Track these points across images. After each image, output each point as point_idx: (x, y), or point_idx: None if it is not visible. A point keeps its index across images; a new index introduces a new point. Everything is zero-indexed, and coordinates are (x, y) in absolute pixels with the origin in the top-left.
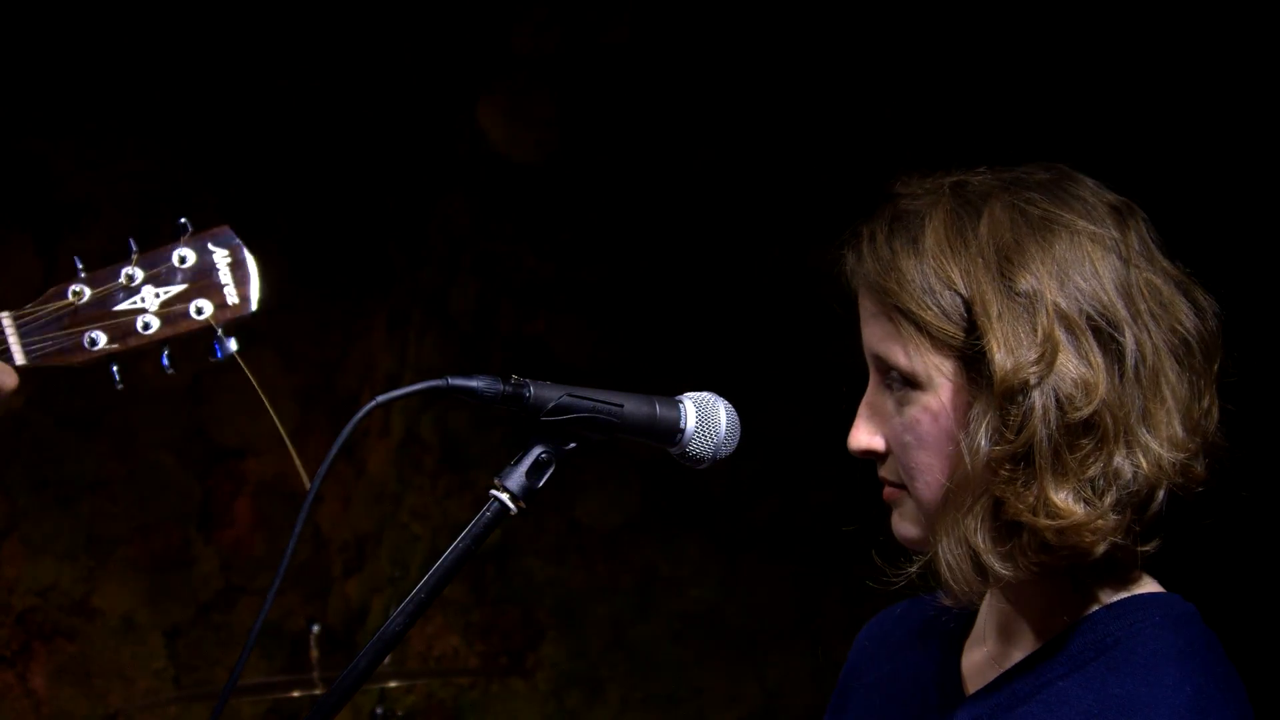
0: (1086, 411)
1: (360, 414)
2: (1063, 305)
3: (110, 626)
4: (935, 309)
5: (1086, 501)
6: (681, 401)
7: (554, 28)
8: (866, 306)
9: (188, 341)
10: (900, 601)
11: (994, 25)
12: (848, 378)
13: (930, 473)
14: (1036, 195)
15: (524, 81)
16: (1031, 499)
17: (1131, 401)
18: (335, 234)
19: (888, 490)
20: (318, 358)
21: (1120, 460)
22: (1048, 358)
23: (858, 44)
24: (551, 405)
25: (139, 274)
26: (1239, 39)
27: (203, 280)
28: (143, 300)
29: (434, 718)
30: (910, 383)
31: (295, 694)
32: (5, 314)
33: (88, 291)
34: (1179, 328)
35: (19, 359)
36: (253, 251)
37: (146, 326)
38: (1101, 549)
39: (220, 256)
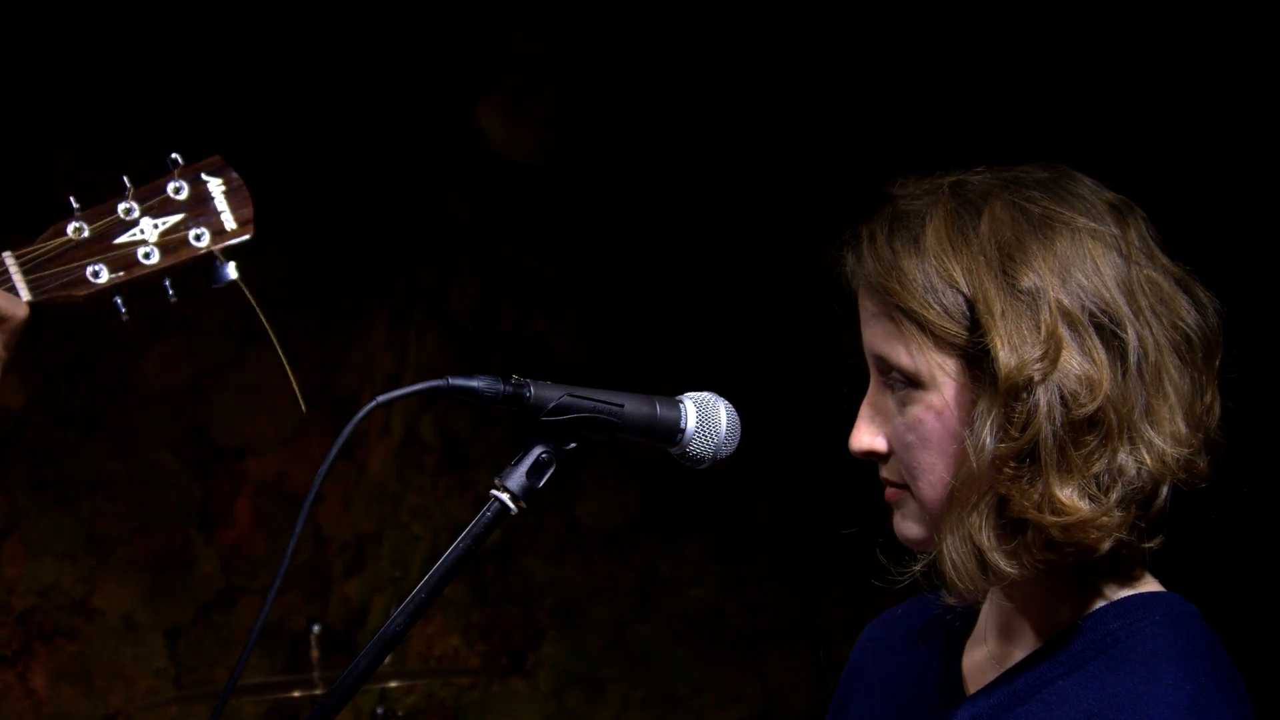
0: (1091, 408)
1: (361, 414)
2: (1065, 302)
3: (111, 626)
4: (938, 308)
5: (1091, 498)
6: (682, 401)
7: (554, 28)
8: (867, 307)
9: (190, 269)
10: (902, 602)
11: (993, 25)
12: (848, 378)
13: (934, 472)
14: (1037, 193)
15: (524, 81)
16: (1036, 496)
17: (1135, 398)
18: (335, 234)
19: (889, 491)
20: (318, 357)
21: (1124, 457)
22: (1051, 355)
23: (857, 44)
24: (552, 405)
25: (135, 207)
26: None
27: (199, 209)
28: (142, 232)
29: (434, 718)
30: (912, 382)
31: (296, 694)
32: (8, 254)
33: (87, 227)
34: (1180, 324)
35: (25, 296)
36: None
37: (148, 256)
38: (1107, 546)
39: (215, 185)
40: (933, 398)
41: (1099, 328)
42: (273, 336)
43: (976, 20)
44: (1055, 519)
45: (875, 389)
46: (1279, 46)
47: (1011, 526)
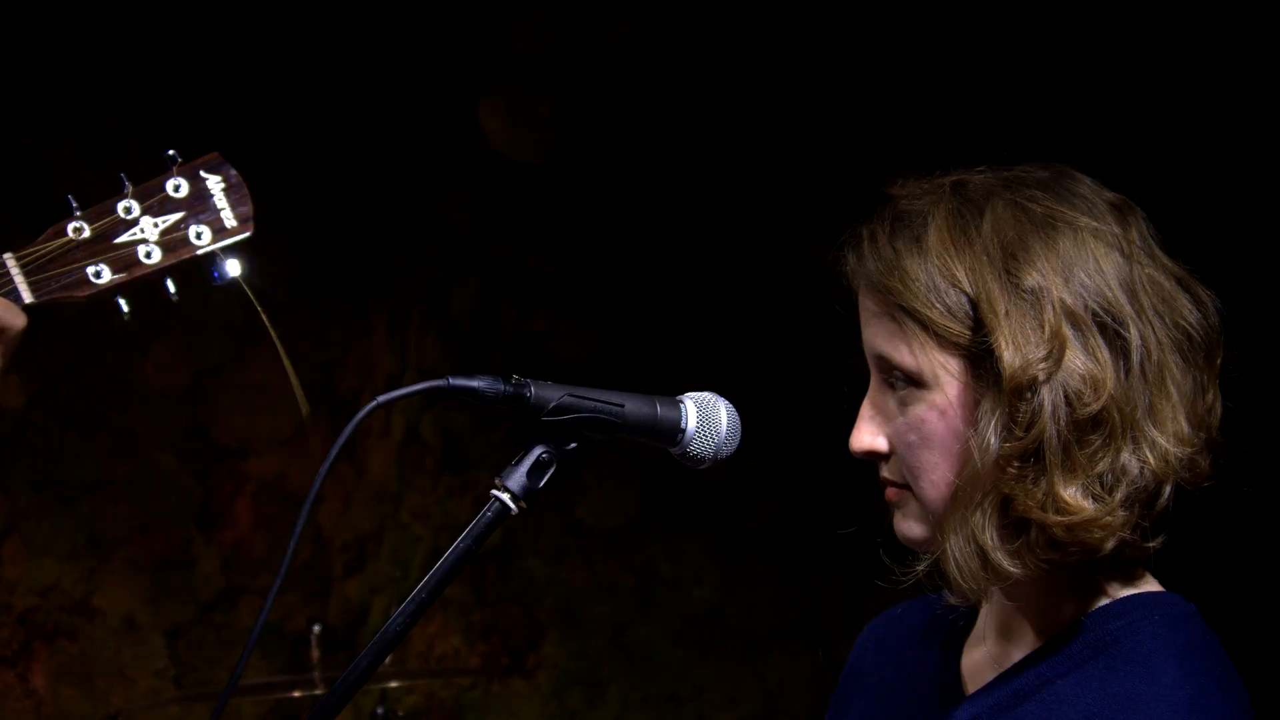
0: (1095, 407)
1: (361, 414)
2: (1068, 302)
3: (111, 626)
4: (941, 307)
5: (1095, 497)
6: (682, 401)
7: (554, 27)
8: (868, 307)
9: (190, 268)
10: (902, 601)
11: (993, 25)
12: (849, 377)
13: (936, 471)
14: (1038, 193)
15: (524, 81)
16: (1040, 495)
17: (1138, 397)
18: (336, 233)
19: (890, 490)
20: (318, 357)
21: (1128, 456)
22: (1055, 354)
23: (857, 44)
24: (552, 405)
25: (135, 206)
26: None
27: (199, 207)
28: (142, 231)
29: (435, 718)
30: (915, 382)
31: (296, 694)
32: (8, 255)
33: (87, 227)
34: (1182, 322)
35: (27, 298)
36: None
37: (149, 255)
38: (1110, 545)
39: (214, 183)
40: (935, 397)
41: (1102, 327)
42: (275, 336)
43: (976, 20)
44: (1059, 518)
45: (876, 389)
46: (1279, 46)
47: (1015, 526)
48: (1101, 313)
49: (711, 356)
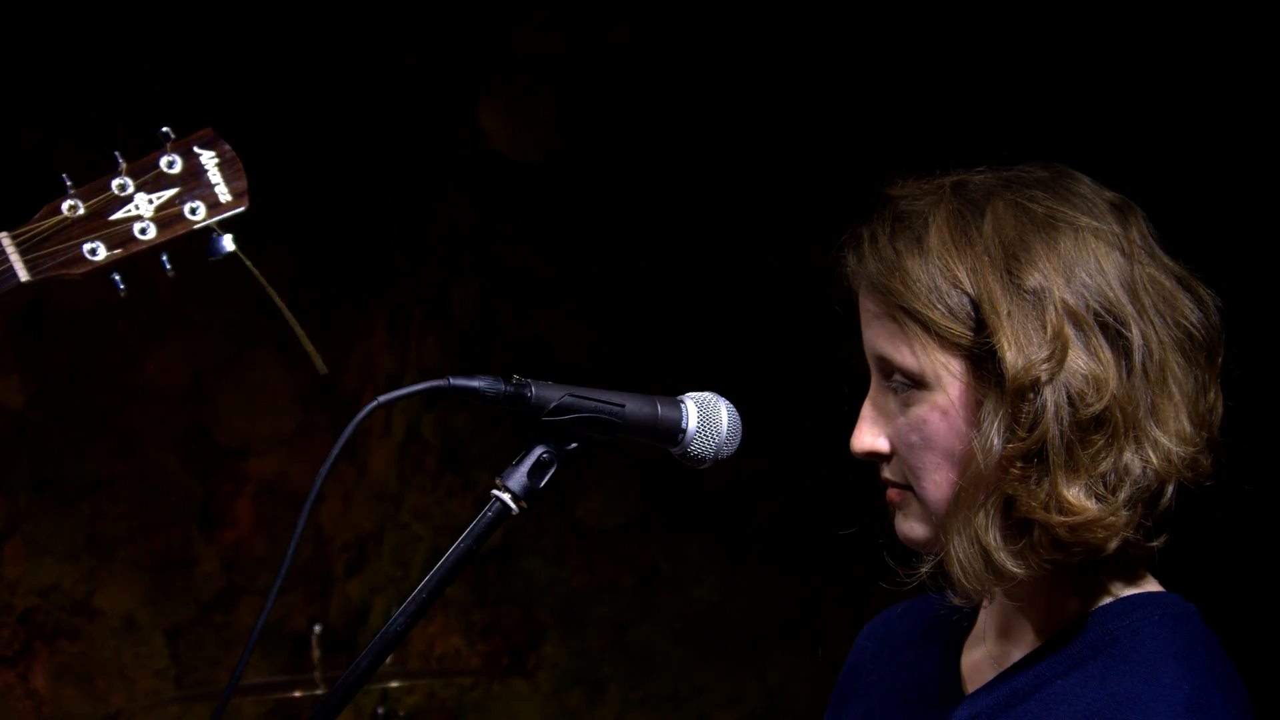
0: (1098, 407)
1: (362, 414)
2: (1070, 302)
3: (112, 626)
4: (942, 308)
5: (1099, 498)
6: (683, 401)
7: (555, 28)
8: (869, 308)
9: (185, 242)
10: (901, 601)
11: (992, 25)
12: (849, 378)
13: (939, 472)
14: (1038, 193)
15: (525, 81)
16: (1044, 496)
17: (1140, 397)
18: (336, 234)
19: (892, 491)
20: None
21: (1131, 456)
22: (1058, 355)
23: (857, 44)
24: (553, 405)
25: (130, 183)
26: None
27: (194, 182)
28: (137, 208)
29: (436, 718)
30: (916, 383)
31: (297, 694)
32: (4, 234)
33: (82, 205)
34: (1183, 322)
35: (23, 275)
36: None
37: (144, 232)
38: (1114, 545)
39: (208, 158)
40: (937, 398)
41: (1104, 327)
42: (280, 304)
43: (976, 20)
44: (1063, 519)
45: (876, 389)
46: (1278, 46)
47: (1018, 526)
48: (1103, 312)
49: (712, 356)
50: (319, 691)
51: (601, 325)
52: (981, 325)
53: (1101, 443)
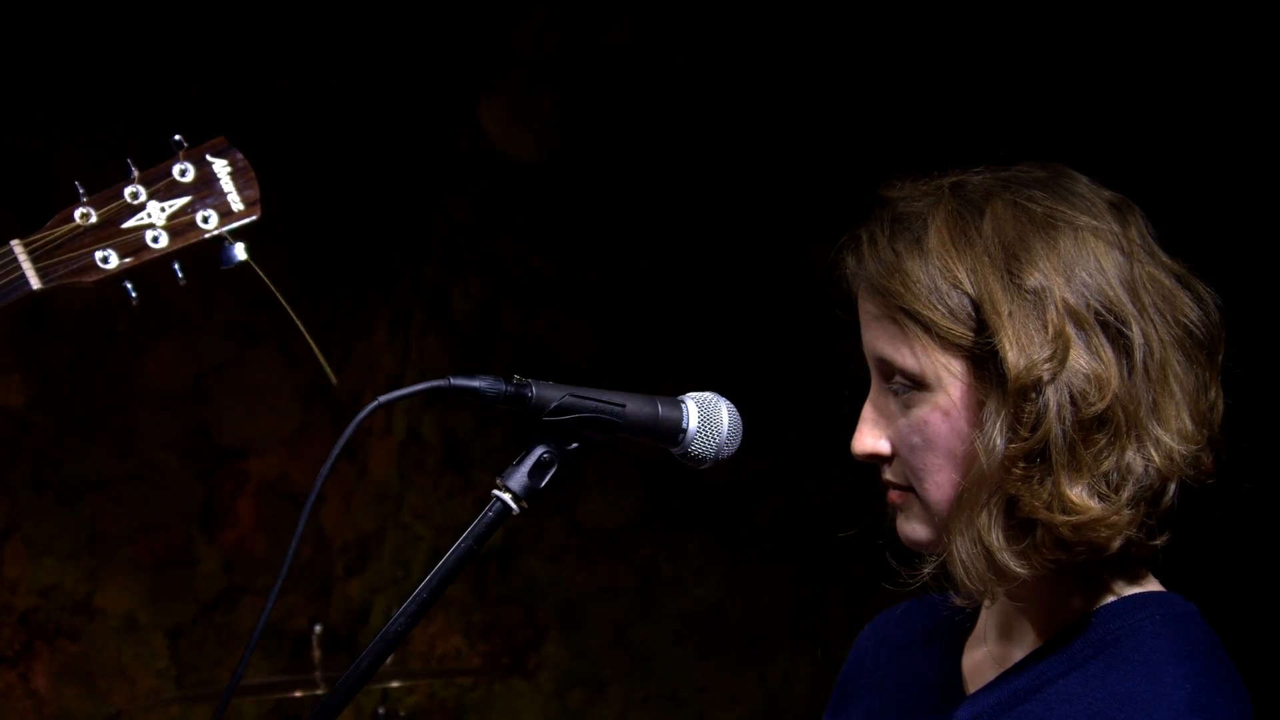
0: (1100, 407)
1: (362, 414)
2: (1071, 301)
3: (112, 626)
4: (943, 309)
5: (1102, 496)
6: (684, 401)
7: (555, 27)
8: (869, 309)
9: (197, 250)
10: (902, 601)
11: (992, 25)
12: (850, 379)
13: (941, 473)
14: (1037, 192)
15: (526, 81)
16: (1046, 495)
17: (1142, 395)
18: (337, 234)
19: (893, 493)
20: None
21: (1133, 454)
22: (1060, 354)
23: (857, 44)
24: (554, 405)
25: (142, 191)
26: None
27: (206, 191)
28: (149, 216)
29: (436, 718)
30: (917, 384)
31: (298, 694)
32: (16, 241)
33: (94, 213)
34: (1183, 320)
35: (35, 284)
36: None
37: (156, 240)
38: (1117, 544)
39: (220, 166)
40: (939, 399)
41: (1105, 326)
42: (289, 309)
43: (976, 20)
44: (1066, 518)
45: (877, 391)
46: (1278, 46)
47: (1021, 526)
48: (1104, 311)
49: (712, 356)
50: (319, 691)
51: (602, 325)
52: (982, 326)
53: (1104, 442)
